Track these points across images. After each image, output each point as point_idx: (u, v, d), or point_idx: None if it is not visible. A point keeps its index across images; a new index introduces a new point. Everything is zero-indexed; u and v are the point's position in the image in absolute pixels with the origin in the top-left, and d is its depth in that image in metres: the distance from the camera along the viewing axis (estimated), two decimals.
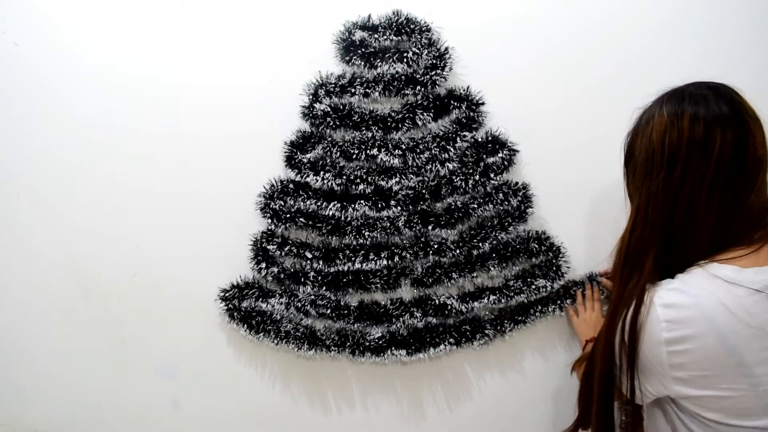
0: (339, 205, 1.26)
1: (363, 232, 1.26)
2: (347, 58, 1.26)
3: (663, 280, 0.84)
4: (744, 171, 0.81)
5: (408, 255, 1.28)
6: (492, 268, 1.27)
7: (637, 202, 0.89)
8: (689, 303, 0.79)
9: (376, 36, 1.25)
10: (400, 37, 1.25)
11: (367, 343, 1.28)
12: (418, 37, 1.25)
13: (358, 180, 1.26)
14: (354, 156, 1.26)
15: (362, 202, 1.26)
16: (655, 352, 0.80)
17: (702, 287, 0.80)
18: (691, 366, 0.79)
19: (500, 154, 1.26)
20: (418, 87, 1.25)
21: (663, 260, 0.85)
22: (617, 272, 0.90)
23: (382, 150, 1.25)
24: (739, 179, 0.81)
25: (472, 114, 1.26)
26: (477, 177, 1.26)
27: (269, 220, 1.28)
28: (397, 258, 1.28)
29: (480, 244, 1.27)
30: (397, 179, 1.26)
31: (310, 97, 1.27)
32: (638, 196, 0.88)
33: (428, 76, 1.25)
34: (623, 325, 0.83)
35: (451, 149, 1.25)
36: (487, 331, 1.29)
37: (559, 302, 1.28)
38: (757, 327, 0.76)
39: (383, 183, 1.27)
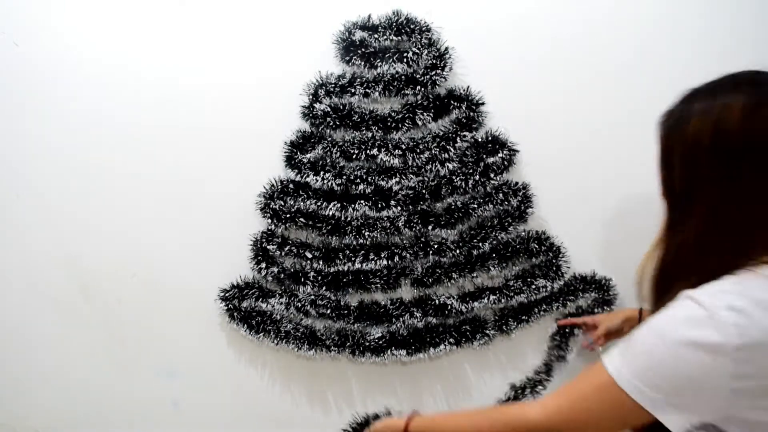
0: (339, 205, 1.26)
1: (363, 232, 1.26)
2: (347, 58, 1.26)
3: (704, 285, 0.76)
4: None
5: (408, 255, 1.28)
6: (492, 268, 1.27)
7: (704, 198, 0.78)
8: (751, 305, 0.71)
9: (376, 36, 1.25)
10: (400, 37, 1.25)
11: (367, 343, 1.28)
12: (418, 37, 1.25)
13: (358, 180, 1.26)
14: (354, 156, 1.26)
15: (362, 202, 1.26)
16: (719, 362, 0.71)
17: (760, 289, 0.72)
18: (759, 374, 0.70)
19: (500, 154, 1.26)
20: (418, 87, 1.25)
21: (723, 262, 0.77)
22: (670, 277, 0.81)
23: (382, 150, 1.25)
24: None
25: (472, 114, 1.26)
26: (477, 177, 1.26)
27: (269, 220, 1.28)
28: (397, 258, 1.28)
29: (480, 244, 1.27)
30: (397, 179, 1.26)
31: (310, 97, 1.27)
32: (703, 190, 0.78)
33: (428, 76, 1.25)
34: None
35: (451, 149, 1.25)
36: (488, 331, 1.29)
37: (561, 299, 1.28)
38: None
39: (383, 183, 1.27)
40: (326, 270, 1.29)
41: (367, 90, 1.25)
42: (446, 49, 1.25)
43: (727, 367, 0.70)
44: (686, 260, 0.80)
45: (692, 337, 0.71)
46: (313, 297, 1.29)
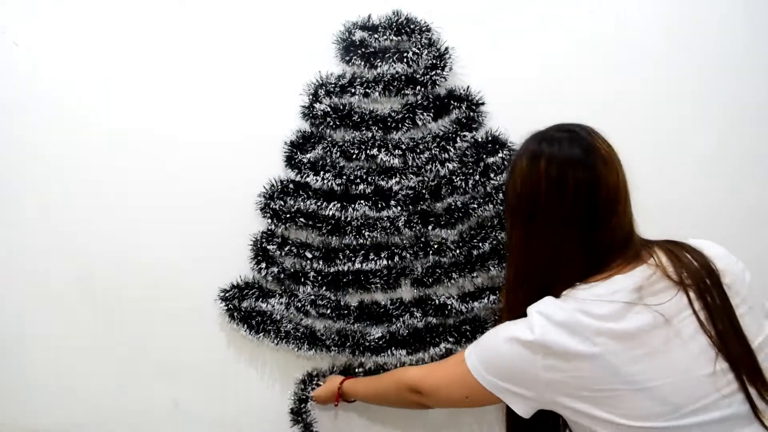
0: (339, 205, 1.26)
1: (363, 232, 1.26)
2: (347, 58, 1.26)
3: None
4: (596, 210, 0.86)
5: (408, 255, 1.28)
6: (492, 268, 1.27)
7: (512, 245, 0.95)
8: (555, 309, 0.84)
9: (376, 36, 1.25)
10: (400, 37, 1.25)
11: (367, 343, 1.28)
12: (418, 37, 1.25)
13: (358, 180, 1.26)
14: (354, 156, 1.26)
15: (362, 202, 1.26)
16: (531, 355, 0.84)
17: (563, 301, 0.86)
18: (563, 368, 0.82)
19: (500, 154, 1.26)
20: (418, 87, 1.25)
21: (537, 295, 0.89)
22: (507, 303, 0.98)
23: (382, 150, 1.25)
24: (593, 218, 0.86)
25: (472, 114, 1.26)
26: (477, 177, 1.26)
27: (269, 220, 1.28)
28: (397, 258, 1.28)
29: (480, 244, 1.27)
30: (397, 179, 1.26)
31: (310, 97, 1.27)
32: (511, 238, 0.95)
33: (428, 76, 1.25)
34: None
35: (451, 149, 1.26)
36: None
37: None
38: (621, 332, 0.81)
39: (383, 183, 1.27)
40: (326, 270, 1.29)
41: (367, 90, 1.25)
42: (446, 49, 1.25)
43: (538, 360, 0.84)
44: (509, 292, 0.97)
45: (514, 334, 0.87)
46: (313, 297, 1.29)
